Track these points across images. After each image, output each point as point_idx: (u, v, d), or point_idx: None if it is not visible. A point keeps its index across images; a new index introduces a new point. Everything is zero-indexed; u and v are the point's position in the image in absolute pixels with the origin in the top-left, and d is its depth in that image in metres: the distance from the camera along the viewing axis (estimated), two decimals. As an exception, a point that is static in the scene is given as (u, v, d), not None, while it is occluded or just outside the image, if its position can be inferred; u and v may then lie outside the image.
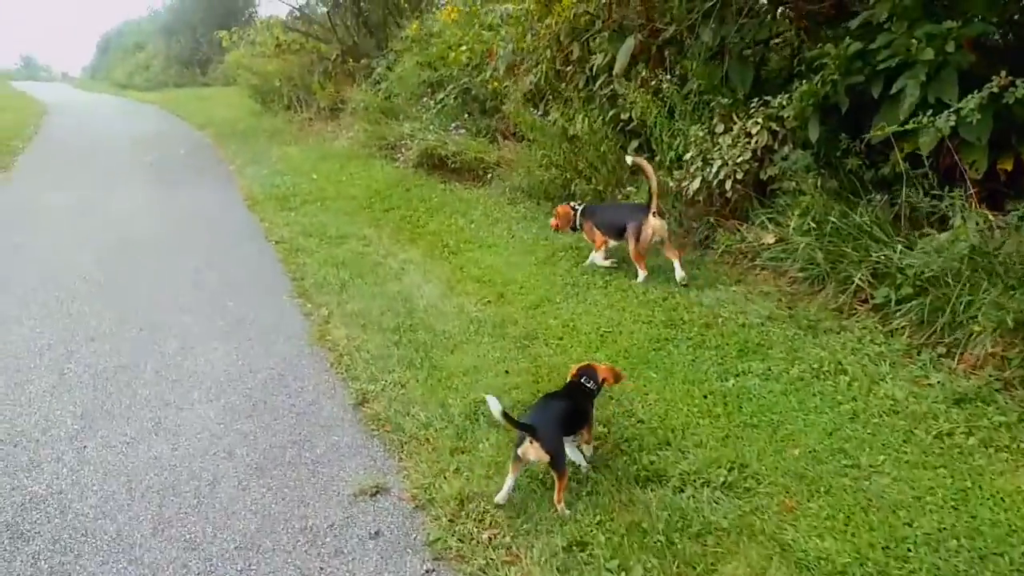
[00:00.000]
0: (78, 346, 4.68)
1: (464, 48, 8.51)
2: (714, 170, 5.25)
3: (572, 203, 5.82)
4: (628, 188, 6.20)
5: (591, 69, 6.85)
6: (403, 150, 9.37)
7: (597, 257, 5.55)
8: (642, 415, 3.56)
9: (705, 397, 3.67)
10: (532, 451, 2.84)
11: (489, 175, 8.19)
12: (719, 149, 5.29)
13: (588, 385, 3.19)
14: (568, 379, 3.29)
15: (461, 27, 9.26)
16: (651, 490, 3.02)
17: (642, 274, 5.21)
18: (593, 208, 5.71)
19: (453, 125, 9.06)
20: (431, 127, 8.97)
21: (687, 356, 4.10)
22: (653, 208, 5.05)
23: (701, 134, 5.43)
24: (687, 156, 5.49)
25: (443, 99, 9.27)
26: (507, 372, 4.06)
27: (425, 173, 9.10)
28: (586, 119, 6.53)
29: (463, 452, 3.36)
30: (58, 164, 11.75)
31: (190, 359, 4.50)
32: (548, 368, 4.08)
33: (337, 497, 3.17)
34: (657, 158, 6.14)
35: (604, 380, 3.24)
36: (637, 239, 5.12)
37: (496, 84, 8.29)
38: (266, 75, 16.41)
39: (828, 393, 3.59)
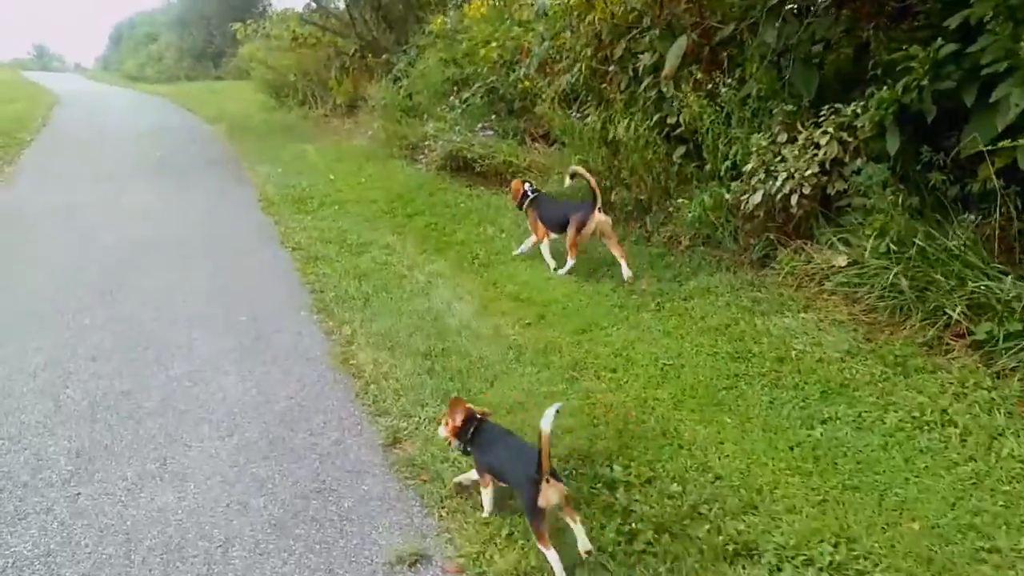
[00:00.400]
0: (77, 366, 4.24)
1: (495, 45, 8.01)
2: (778, 183, 4.76)
3: (527, 183, 5.93)
4: (678, 199, 5.70)
5: (635, 70, 6.37)
6: (426, 151, 8.88)
7: (544, 248, 5.71)
8: (719, 470, 3.08)
9: (791, 449, 3.18)
10: (554, 492, 2.55)
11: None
12: (784, 160, 4.79)
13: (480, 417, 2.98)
14: (455, 430, 2.95)
15: (490, 22, 8.78)
16: (742, 567, 2.55)
17: (570, 262, 5.46)
18: (541, 198, 5.80)
19: (479, 126, 8.58)
20: (456, 128, 8.49)
21: (763, 397, 3.61)
22: (598, 204, 5.30)
23: (764, 143, 4.93)
24: (747, 167, 4.99)
25: (469, 98, 8.79)
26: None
27: (449, 176, 8.61)
28: (631, 123, 6.04)
29: (516, 512, 2.88)
30: (64, 159, 11.31)
31: (200, 385, 4.05)
32: (603, 407, 3.60)
33: (370, 566, 2.70)
34: (707, 167, 5.67)
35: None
36: (579, 230, 5.33)
37: (528, 83, 7.80)
38: (281, 69, 15.97)
39: (937, 449, 3.10)
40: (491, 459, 2.84)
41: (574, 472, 3.12)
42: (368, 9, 13.17)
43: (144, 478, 3.21)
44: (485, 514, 2.89)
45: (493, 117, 8.63)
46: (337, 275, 5.70)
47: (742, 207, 5.10)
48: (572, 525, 2.61)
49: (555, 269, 5.54)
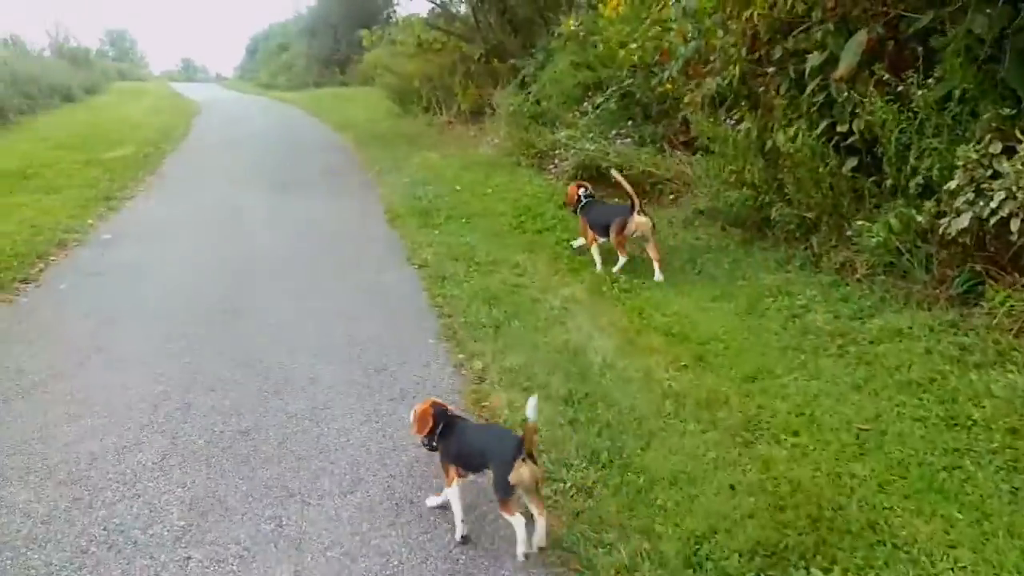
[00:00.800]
0: (196, 398, 3.97)
1: (635, 46, 7.41)
2: (994, 204, 3.94)
3: (583, 187, 6.13)
4: (855, 220, 4.92)
5: (797, 70, 5.62)
6: (556, 160, 8.37)
7: (594, 250, 5.89)
8: (957, 586, 2.39)
9: (1057, 567, 2.44)
10: (528, 472, 2.57)
11: (660, 192, 7.07)
12: (1000, 177, 3.96)
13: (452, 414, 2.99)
14: (427, 431, 2.91)
15: (627, 22, 8.18)
16: None
17: (621, 260, 5.65)
18: (591, 204, 6.01)
19: (613, 132, 8.00)
20: (590, 135, 7.94)
21: (1000, 483, 2.86)
22: (637, 207, 5.52)
23: (973, 156, 4.11)
24: (951, 185, 4.18)
25: (602, 103, 8.22)
26: (732, 488, 2.97)
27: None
28: (798, 131, 5.30)
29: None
30: (199, 168, 11.58)
31: (321, 425, 3.69)
32: (789, 484, 2.96)
33: None
34: (888, 182, 4.87)
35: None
36: (620, 231, 5.57)
37: (669, 87, 7.16)
38: (405, 76, 15.92)
39: None
40: (462, 447, 2.85)
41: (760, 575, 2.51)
42: (494, 12, 12.84)
43: (258, 543, 2.84)
44: (458, 524, 2.81)
45: (629, 123, 8.03)
46: (466, 298, 5.28)
47: (940, 231, 4.30)
48: (536, 516, 2.63)
49: (601, 269, 5.76)
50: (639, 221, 5.52)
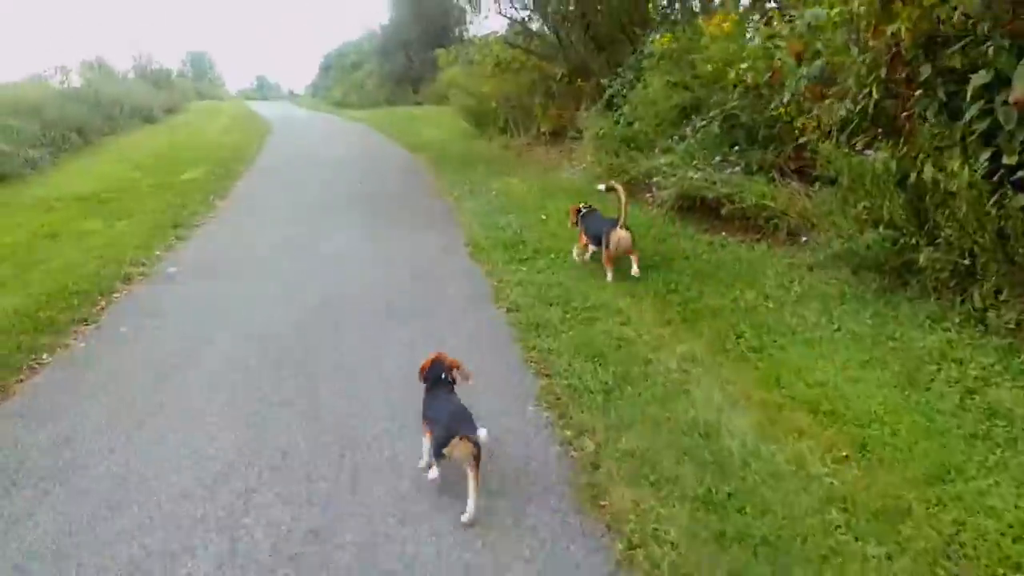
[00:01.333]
0: (260, 480, 3.43)
1: (746, 66, 6.69)
2: None
3: (583, 205, 6.78)
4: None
5: (949, 93, 4.85)
6: (654, 188, 7.66)
7: (575, 250, 6.67)
8: None
9: None
10: (463, 449, 3.00)
11: (775, 227, 6.32)
12: None
13: (451, 380, 3.50)
14: (424, 376, 3.56)
15: (732, 39, 7.47)
16: None
17: (609, 274, 6.12)
18: (589, 215, 6.58)
19: (717, 158, 7.28)
20: (692, 161, 7.24)
21: None
22: (621, 222, 5.99)
23: None
24: None
25: (703, 127, 7.51)
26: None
27: (679, 218, 7.39)
28: (949, 163, 4.52)
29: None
30: (271, 192, 11.28)
31: (407, 525, 3.08)
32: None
33: None
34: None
35: (454, 367, 3.55)
36: (606, 244, 6.07)
37: (783, 110, 6.41)
38: (482, 96, 15.48)
39: None
40: (431, 412, 3.36)
41: None
42: (577, 28, 12.25)
43: None
44: (422, 464, 3.42)
45: (733, 149, 7.30)
46: (567, 353, 4.66)
47: None
48: (470, 485, 3.04)
49: (577, 259, 6.58)
50: (620, 235, 6.04)
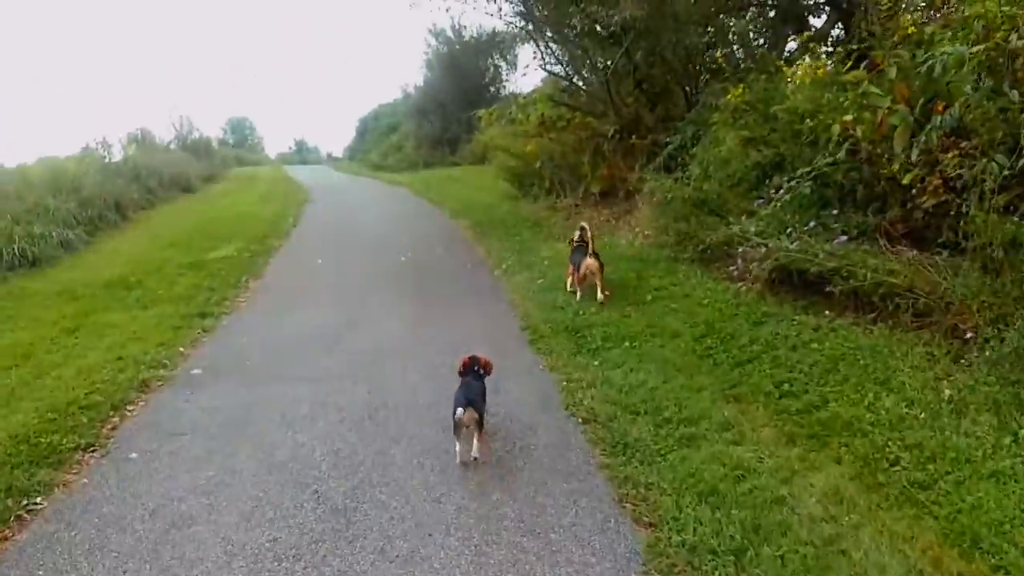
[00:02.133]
0: None
1: (851, 116, 5.72)
2: None
3: (574, 239, 7.82)
4: None
5: None
6: (739, 260, 6.62)
7: (569, 280, 7.77)
8: None
9: None
10: (468, 416, 4.07)
11: (897, 307, 5.27)
12: None
13: (481, 372, 4.55)
14: (462, 369, 4.56)
15: (820, 87, 6.56)
16: None
17: (579, 292, 7.45)
18: (576, 248, 7.63)
19: (811, 223, 6.29)
20: (786, 229, 6.26)
21: None
22: (590, 251, 7.34)
23: None
24: None
25: (791, 187, 6.54)
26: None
27: (770, 294, 6.38)
28: None
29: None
30: (306, 272, 10.30)
31: None
32: None
33: None
34: None
35: (487, 366, 4.62)
36: (578, 269, 7.37)
37: (900, 166, 5.43)
38: (525, 156, 14.72)
39: None
40: (459, 393, 4.25)
41: None
42: (630, 82, 11.45)
43: None
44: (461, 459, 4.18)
45: (832, 211, 6.32)
46: (672, 491, 3.66)
47: None
48: (475, 440, 4.13)
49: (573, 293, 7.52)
50: (588, 261, 7.23)
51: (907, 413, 4.15)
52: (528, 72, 34.71)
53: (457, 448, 4.14)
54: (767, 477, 3.69)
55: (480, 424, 4.14)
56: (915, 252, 5.56)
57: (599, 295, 7.00)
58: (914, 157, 5.08)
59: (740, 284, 6.52)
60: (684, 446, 4.11)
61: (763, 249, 6.22)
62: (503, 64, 30.78)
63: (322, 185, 26.42)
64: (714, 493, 3.59)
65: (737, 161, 7.55)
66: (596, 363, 5.56)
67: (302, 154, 73.18)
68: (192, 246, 12.05)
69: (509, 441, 4.45)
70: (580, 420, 4.67)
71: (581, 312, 6.83)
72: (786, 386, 4.71)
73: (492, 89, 31.13)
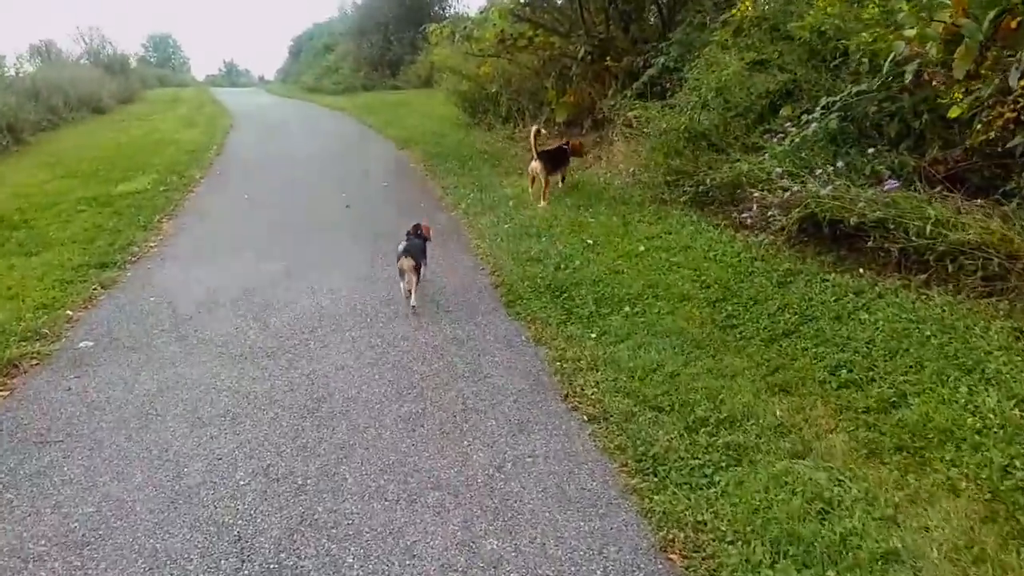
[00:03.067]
0: None
1: (913, 31, 4.62)
2: None
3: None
4: None
5: None
6: (754, 204, 5.56)
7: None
8: None
9: None
10: (406, 263, 4.94)
11: (960, 268, 4.33)
12: None
13: (421, 234, 5.41)
14: (409, 232, 5.37)
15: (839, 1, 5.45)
16: None
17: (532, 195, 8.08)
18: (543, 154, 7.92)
19: (838, 164, 5.28)
20: (811, 169, 5.22)
21: None
22: (535, 155, 7.71)
23: None
24: None
25: (820, 119, 5.48)
26: None
27: (789, 247, 5.39)
28: None
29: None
30: (230, 210, 8.79)
31: None
32: None
33: None
34: None
35: (427, 230, 5.54)
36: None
37: (946, 90, 4.42)
38: (479, 79, 13.31)
39: None
40: (401, 246, 5.14)
41: None
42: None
43: None
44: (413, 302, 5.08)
45: (869, 150, 5.31)
46: (735, 536, 2.67)
47: None
48: (414, 288, 5.06)
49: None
50: (533, 164, 7.76)
51: (994, 402, 3.24)
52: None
53: (402, 287, 5.18)
54: (861, 515, 2.72)
55: (417, 271, 5.07)
56: (979, 200, 4.61)
57: (541, 201, 7.60)
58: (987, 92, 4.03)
59: (760, 235, 5.47)
60: (734, 462, 3.12)
61: (785, 194, 5.18)
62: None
63: (252, 109, 24.42)
64: (795, 541, 2.61)
65: (741, 88, 6.42)
66: (593, 336, 4.50)
67: (232, 77, 69.20)
68: (97, 176, 10.45)
69: (497, 451, 3.38)
70: (585, 418, 3.64)
71: (563, 266, 5.74)
72: (844, 372, 3.74)
73: (437, 8, 29.16)
